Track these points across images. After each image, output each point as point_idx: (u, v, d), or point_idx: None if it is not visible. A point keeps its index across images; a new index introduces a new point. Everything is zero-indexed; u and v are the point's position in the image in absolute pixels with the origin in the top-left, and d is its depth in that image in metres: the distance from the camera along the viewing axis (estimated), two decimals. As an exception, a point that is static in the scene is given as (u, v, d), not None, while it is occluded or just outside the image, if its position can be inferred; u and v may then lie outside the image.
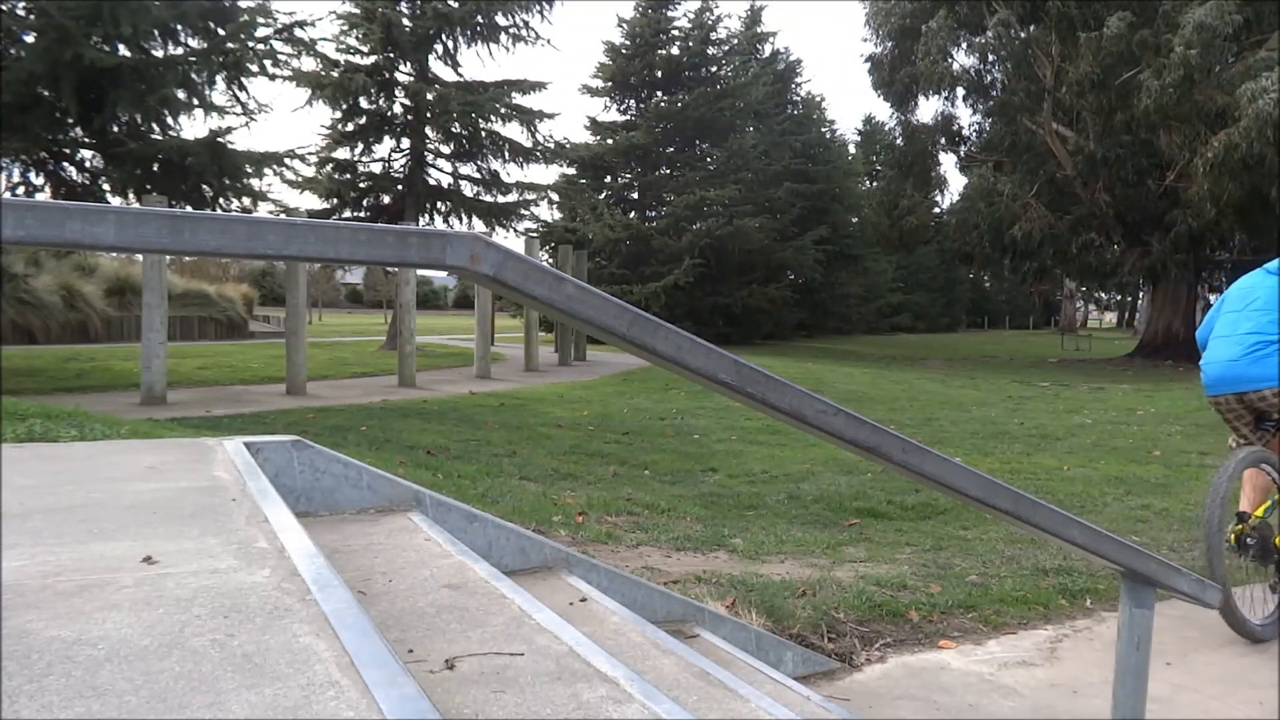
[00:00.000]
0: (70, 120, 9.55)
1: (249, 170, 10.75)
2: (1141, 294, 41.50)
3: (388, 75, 17.40)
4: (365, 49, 17.37)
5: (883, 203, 27.74)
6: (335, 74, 16.83)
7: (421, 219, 17.61)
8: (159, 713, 0.81)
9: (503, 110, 17.55)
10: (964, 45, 24.76)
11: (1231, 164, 17.46)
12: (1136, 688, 1.75)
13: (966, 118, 28.46)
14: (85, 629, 0.99)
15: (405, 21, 17.03)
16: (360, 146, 17.99)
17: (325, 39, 18.20)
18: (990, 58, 24.59)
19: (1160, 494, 6.30)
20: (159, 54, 10.10)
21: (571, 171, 25.98)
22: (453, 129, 17.42)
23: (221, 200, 10.72)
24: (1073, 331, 42.13)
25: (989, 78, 25.17)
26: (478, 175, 18.48)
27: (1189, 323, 24.47)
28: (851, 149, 40.93)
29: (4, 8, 8.87)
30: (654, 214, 25.56)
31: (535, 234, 21.19)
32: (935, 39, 23.21)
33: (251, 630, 1.00)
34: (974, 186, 23.79)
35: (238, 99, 10.71)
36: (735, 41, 28.72)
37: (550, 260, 20.56)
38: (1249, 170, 17.37)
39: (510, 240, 27.14)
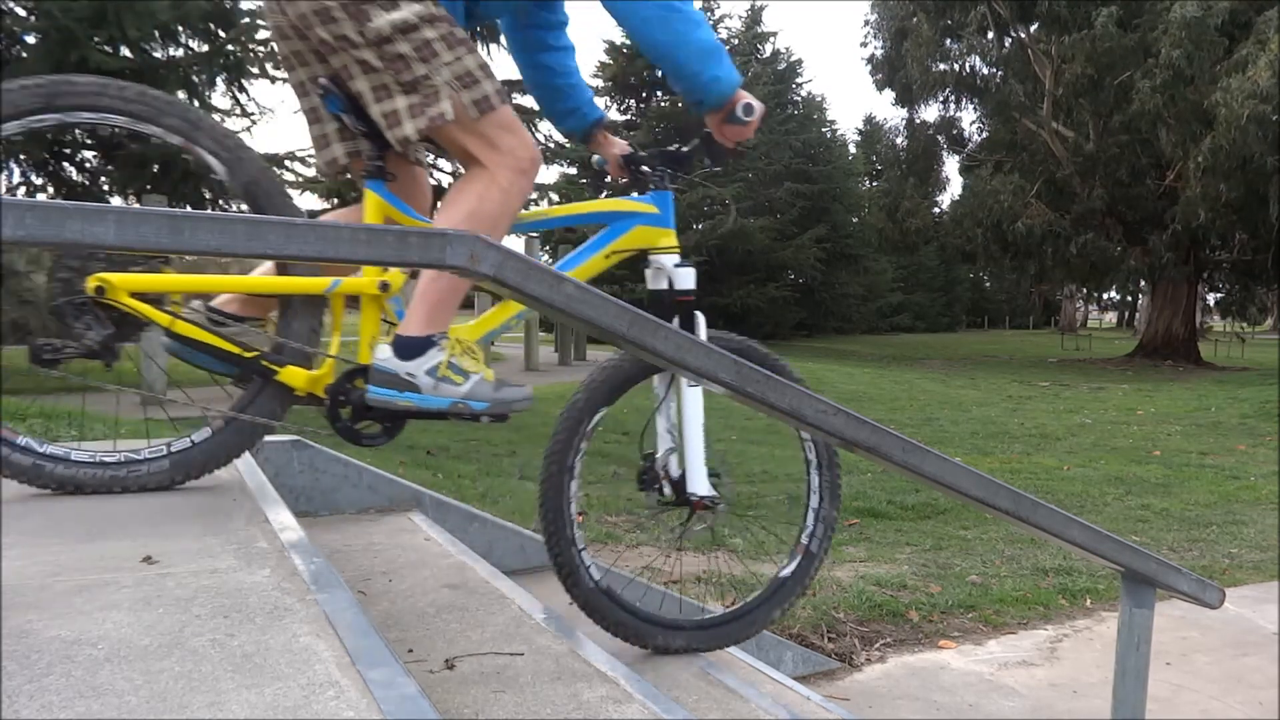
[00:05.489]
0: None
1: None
2: (1141, 294, 41.46)
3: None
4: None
5: (883, 204, 27.66)
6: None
7: (422, 219, 17.60)
8: (159, 713, 0.81)
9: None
10: (955, 49, 24.77)
11: (1222, 166, 17.35)
12: (1136, 688, 1.75)
13: (967, 118, 28.39)
14: (85, 629, 0.99)
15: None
16: (361, 146, 18.04)
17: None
18: (979, 62, 24.65)
19: (1160, 494, 6.30)
20: (160, 56, 10.09)
21: (572, 171, 25.97)
22: (453, 129, 17.42)
23: (221, 201, 10.70)
24: (1073, 331, 42.03)
25: (979, 80, 25.17)
26: (478, 175, 18.50)
27: (1189, 323, 24.43)
28: (852, 149, 40.91)
29: (6, 9, 8.86)
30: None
31: (535, 234, 21.18)
32: (921, 47, 23.36)
33: (251, 630, 1.00)
34: (975, 185, 23.79)
35: (239, 101, 10.71)
36: (736, 41, 28.71)
37: (550, 260, 20.56)
38: (1242, 170, 17.26)
39: (511, 240, 27.12)
